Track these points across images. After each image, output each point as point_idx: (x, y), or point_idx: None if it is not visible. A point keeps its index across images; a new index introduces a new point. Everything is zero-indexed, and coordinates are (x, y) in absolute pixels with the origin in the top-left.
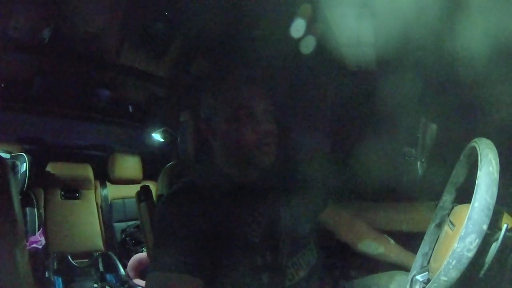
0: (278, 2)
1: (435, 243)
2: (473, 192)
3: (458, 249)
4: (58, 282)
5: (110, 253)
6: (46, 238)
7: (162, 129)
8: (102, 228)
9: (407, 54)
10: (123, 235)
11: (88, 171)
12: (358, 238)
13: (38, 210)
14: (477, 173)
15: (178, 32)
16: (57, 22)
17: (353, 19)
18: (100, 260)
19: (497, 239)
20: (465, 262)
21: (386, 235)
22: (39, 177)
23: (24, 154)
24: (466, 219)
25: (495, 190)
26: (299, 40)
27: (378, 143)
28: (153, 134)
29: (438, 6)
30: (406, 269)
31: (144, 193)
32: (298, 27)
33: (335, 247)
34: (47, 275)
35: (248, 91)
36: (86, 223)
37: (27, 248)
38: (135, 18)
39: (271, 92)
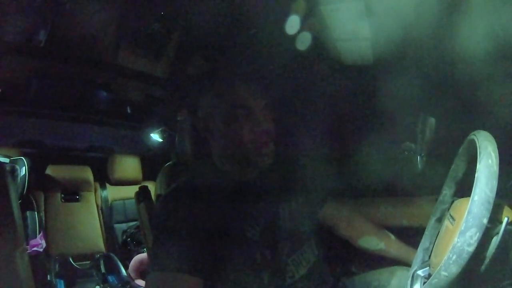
0: (274, 0)
1: (436, 238)
2: (473, 186)
3: (459, 244)
4: (60, 285)
5: (111, 254)
6: (47, 241)
7: (160, 129)
8: (103, 230)
9: (406, 49)
10: (124, 236)
11: (87, 173)
12: (358, 233)
13: (38, 213)
14: (476, 166)
15: (175, 32)
16: (53, 24)
17: (351, 15)
18: (101, 261)
19: (497, 233)
20: (465, 256)
21: (386, 231)
22: (38, 180)
23: (23, 158)
24: (466, 213)
25: (494, 183)
26: (296, 37)
27: (378, 138)
28: (152, 135)
29: (437, 2)
30: (407, 264)
31: (143, 193)
32: (294, 24)
33: (335, 244)
34: (49, 278)
35: (246, 90)
36: (86, 225)
37: (28, 251)
38: (132, 18)
39: (269, 91)
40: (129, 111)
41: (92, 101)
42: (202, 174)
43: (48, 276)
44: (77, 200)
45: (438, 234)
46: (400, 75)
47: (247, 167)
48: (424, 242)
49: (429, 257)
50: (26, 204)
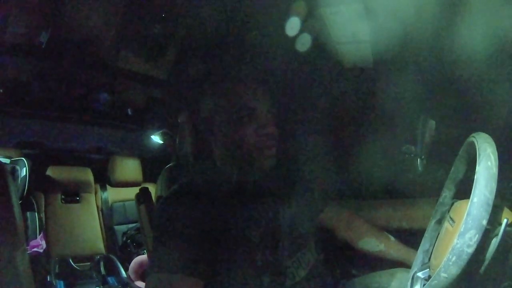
0: (275, 1)
1: (436, 240)
2: (472, 188)
3: (458, 245)
4: (60, 286)
5: (111, 256)
6: (47, 242)
7: (161, 131)
8: (103, 231)
9: (406, 52)
10: (124, 238)
11: (88, 175)
12: (358, 235)
13: (38, 214)
14: (476, 168)
15: (176, 34)
16: (54, 26)
17: (352, 17)
18: (101, 263)
19: (497, 234)
20: (465, 258)
21: (386, 232)
22: (39, 181)
23: (23, 159)
24: (465, 215)
25: (494, 185)
26: (297, 38)
27: (378, 141)
28: (152, 136)
29: (437, 4)
30: (407, 265)
31: (143, 195)
32: (295, 26)
33: (335, 246)
34: (48, 279)
35: (251, 92)
36: (87, 226)
37: (28, 252)
38: (132, 20)
39: (273, 93)
40: (129, 113)
41: (93, 102)
42: (203, 176)
43: (48, 277)
44: (77, 202)
45: (438, 236)
46: (401, 77)
47: (249, 169)
48: (424, 244)
49: (429, 259)
50: (27, 205)
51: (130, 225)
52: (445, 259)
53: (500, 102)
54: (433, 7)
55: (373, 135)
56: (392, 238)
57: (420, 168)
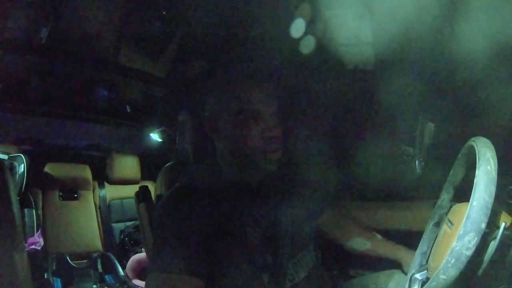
0: (278, 1)
1: (434, 242)
2: (471, 191)
3: (457, 248)
4: (57, 283)
5: (108, 253)
6: (44, 239)
7: (160, 129)
8: (101, 229)
9: (406, 53)
10: (122, 236)
11: (86, 172)
12: (346, 235)
13: (36, 211)
14: (475, 172)
15: (176, 32)
16: (54, 22)
17: (353, 19)
18: (99, 260)
19: (495, 238)
20: (464, 260)
21: (374, 232)
22: (37, 178)
23: (22, 155)
24: (464, 218)
25: (493, 189)
26: (299, 39)
27: (377, 143)
28: (151, 134)
29: (438, 6)
30: (393, 261)
31: (143, 193)
32: (297, 26)
33: (333, 248)
34: (46, 276)
35: (257, 94)
36: (84, 223)
37: (26, 249)
38: (133, 17)
39: (278, 95)
40: (128, 110)
41: (92, 99)
42: (203, 176)
43: (45, 275)
44: (75, 199)
45: (436, 238)
46: (401, 79)
47: (252, 171)
48: (422, 246)
49: (427, 261)
50: (24, 202)
51: (128, 223)
52: (444, 261)
53: (500, 105)
54: (434, 10)
55: (372, 137)
56: (379, 237)
57: (418, 171)
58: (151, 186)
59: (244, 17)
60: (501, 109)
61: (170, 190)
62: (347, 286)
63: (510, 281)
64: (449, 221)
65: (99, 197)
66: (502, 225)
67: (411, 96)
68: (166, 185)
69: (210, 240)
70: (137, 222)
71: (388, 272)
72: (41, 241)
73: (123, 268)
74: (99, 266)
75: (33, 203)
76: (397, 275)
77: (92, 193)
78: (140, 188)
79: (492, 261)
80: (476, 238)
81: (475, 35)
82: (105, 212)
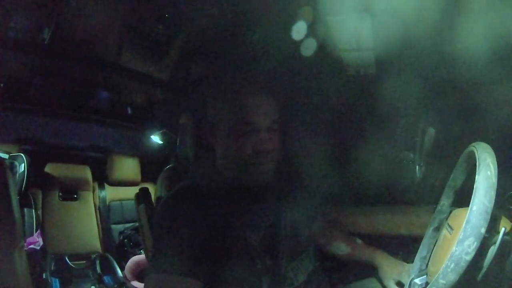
0: (279, 4)
1: (433, 247)
2: (471, 196)
3: (457, 253)
4: (56, 284)
5: (107, 255)
6: (43, 239)
7: (161, 131)
8: (100, 230)
9: (406, 58)
10: (121, 237)
11: (86, 173)
12: (329, 240)
13: (36, 211)
14: (475, 177)
15: (178, 34)
16: (56, 23)
17: (353, 22)
18: (97, 262)
19: (495, 243)
20: (463, 265)
21: (356, 237)
22: (37, 178)
23: (22, 155)
24: (464, 222)
25: (493, 194)
26: (300, 42)
27: (377, 147)
28: (152, 136)
29: (438, 9)
30: (371, 264)
31: (143, 195)
32: (299, 30)
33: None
34: (44, 276)
35: (254, 106)
36: (84, 224)
37: (25, 248)
38: (135, 19)
39: (280, 102)
40: (129, 111)
41: (93, 100)
42: (204, 178)
43: (44, 274)
44: (75, 199)
45: (435, 243)
46: (401, 83)
47: (247, 178)
48: (422, 251)
49: (427, 265)
50: (24, 201)
51: (127, 225)
52: (443, 266)
53: (501, 110)
54: (434, 13)
55: (372, 142)
56: (360, 241)
57: (418, 175)
58: (151, 188)
59: (246, 21)
60: (501, 114)
61: (170, 192)
62: None
63: (509, 286)
64: (449, 226)
65: (99, 198)
66: (502, 230)
67: (412, 99)
68: (166, 187)
69: (210, 243)
70: (136, 224)
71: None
72: (40, 241)
73: (122, 269)
74: (98, 267)
75: (33, 202)
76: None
77: (92, 194)
78: (140, 190)
79: (491, 266)
80: (475, 243)
81: (476, 38)
82: (105, 213)
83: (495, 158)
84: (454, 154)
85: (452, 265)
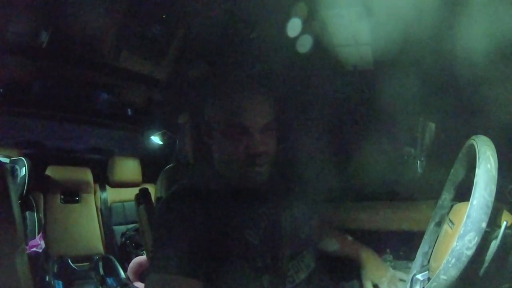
0: (277, 3)
1: (435, 242)
2: (472, 190)
3: (458, 248)
4: (59, 286)
5: (110, 256)
6: (46, 242)
7: (161, 132)
8: (102, 232)
9: (406, 53)
10: (123, 238)
11: (87, 175)
12: (319, 237)
13: (37, 214)
14: (475, 170)
15: (177, 35)
16: (55, 25)
17: (351, 19)
18: (100, 263)
19: (496, 237)
20: (464, 260)
21: (346, 234)
22: (38, 181)
23: (23, 158)
24: (465, 217)
25: (493, 187)
26: (297, 40)
27: (378, 143)
28: (152, 137)
29: (437, 5)
30: (355, 260)
31: (143, 195)
32: (296, 27)
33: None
34: (47, 279)
35: (248, 109)
36: (86, 226)
37: (27, 252)
38: (133, 21)
39: (276, 105)
40: (129, 113)
41: (93, 102)
42: (203, 177)
43: (47, 277)
44: (76, 202)
45: (437, 238)
46: (401, 79)
47: (241, 179)
48: (423, 247)
49: (428, 261)
50: (26, 205)
51: (129, 226)
52: (444, 261)
53: (500, 104)
54: (433, 9)
55: (373, 138)
56: (350, 238)
57: (419, 170)
58: (152, 189)
59: (243, 20)
60: (501, 108)
61: (169, 192)
62: (348, 287)
63: None
64: (450, 220)
65: (101, 200)
66: (503, 224)
67: (412, 95)
68: (166, 188)
69: (209, 242)
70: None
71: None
72: (43, 243)
73: (125, 270)
74: (101, 269)
75: (34, 206)
76: (398, 275)
77: (93, 196)
78: (140, 190)
79: (493, 260)
80: (476, 238)
81: (475, 34)
82: (107, 215)
83: (495, 151)
84: (454, 149)
85: (453, 261)
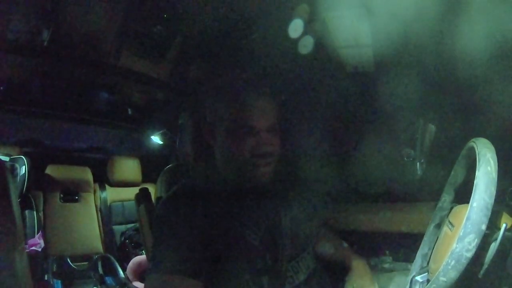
0: (278, 4)
1: (435, 244)
2: (472, 192)
3: (457, 250)
4: (58, 285)
5: (109, 256)
6: (45, 241)
7: (161, 131)
8: (101, 231)
9: (406, 54)
10: (123, 238)
11: (87, 174)
12: (316, 240)
13: (37, 212)
14: (475, 173)
15: (178, 35)
16: (56, 24)
17: (352, 20)
18: (99, 263)
19: (496, 239)
20: (464, 262)
21: (342, 240)
22: (38, 180)
23: (23, 157)
24: (464, 219)
25: (493, 189)
26: (298, 41)
27: (377, 145)
28: (152, 137)
29: (437, 6)
30: (347, 267)
31: (143, 195)
32: (296, 28)
33: None
34: (46, 278)
35: (253, 109)
36: (85, 226)
37: (26, 251)
38: (134, 20)
39: (279, 106)
40: (130, 112)
41: (93, 102)
42: (203, 178)
43: (46, 276)
44: (76, 201)
45: (437, 240)
46: (401, 80)
47: (246, 179)
48: (423, 248)
49: (428, 263)
50: (25, 203)
51: (129, 225)
52: (444, 263)
53: (500, 106)
54: (433, 10)
55: (373, 139)
56: (345, 245)
57: (419, 172)
58: (152, 189)
59: (244, 20)
60: (501, 110)
61: (169, 192)
62: None
63: (511, 283)
64: (450, 222)
65: (100, 199)
66: (503, 226)
67: (412, 97)
68: (166, 187)
69: (209, 242)
70: (138, 224)
71: (388, 274)
72: (42, 242)
73: (124, 270)
74: (100, 268)
75: (34, 204)
76: (397, 277)
77: (93, 195)
78: (140, 190)
79: (493, 262)
80: (476, 240)
81: (475, 35)
82: (106, 214)
83: (495, 153)
84: (454, 150)
85: (453, 262)
